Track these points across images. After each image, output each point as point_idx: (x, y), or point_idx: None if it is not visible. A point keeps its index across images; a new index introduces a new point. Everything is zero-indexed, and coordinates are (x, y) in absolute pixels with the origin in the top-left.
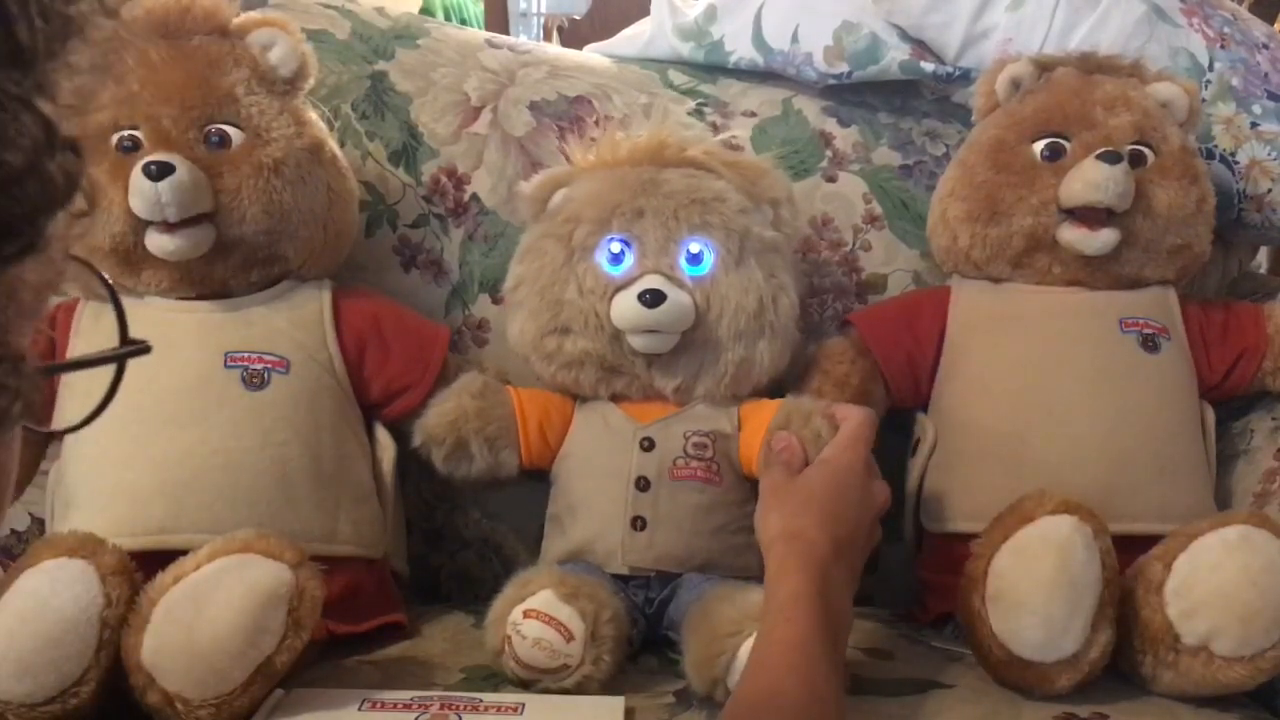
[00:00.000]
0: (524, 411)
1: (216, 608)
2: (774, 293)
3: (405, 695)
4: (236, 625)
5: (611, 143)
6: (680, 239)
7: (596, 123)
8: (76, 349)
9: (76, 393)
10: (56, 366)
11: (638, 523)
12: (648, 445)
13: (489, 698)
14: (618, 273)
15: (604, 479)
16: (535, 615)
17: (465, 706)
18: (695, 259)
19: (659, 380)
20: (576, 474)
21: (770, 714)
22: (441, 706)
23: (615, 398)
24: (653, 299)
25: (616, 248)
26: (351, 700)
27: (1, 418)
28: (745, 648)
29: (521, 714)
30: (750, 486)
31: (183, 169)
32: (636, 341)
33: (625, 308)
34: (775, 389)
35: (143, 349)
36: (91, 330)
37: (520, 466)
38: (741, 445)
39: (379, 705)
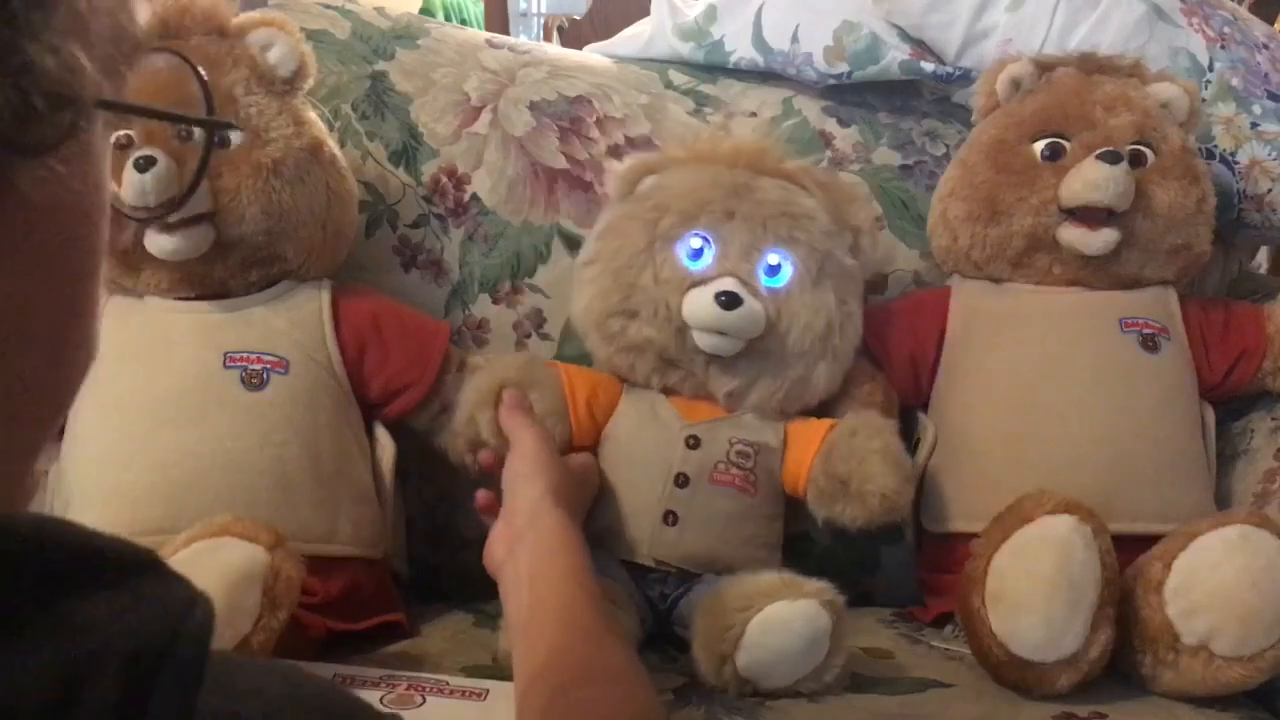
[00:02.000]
0: (573, 386)
1: None
2: (843, 319)
3: (375, 673)
4: None
5: (714, 138)
6: (764, 248)
7: (598, 123)
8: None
9: (88, 401)
10: (126, 106)
11: (669, 517)
12: (693, 443)
13: (455, 681)
14: (696, 268)
15: (645, 469)
16: None
17: (431, 688)
18: (774, 270)
19: (714, 381)
20: (617, 458)
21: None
22: (408, 687)
23: (666, 390)
24: (729, 301)
25: (698, 244)
26: (323, 675)
27: (60, 131)
28: (755, 622)
29: (484, 699)
30: (784, 503)
31: (163, 160)
32: (702, 340)
33: (699, 305)
34: (820, 410)
35: (230, 124)
36: (113, 329)
37: (570, 442)
38: (789, 463)
39: (349, 681)
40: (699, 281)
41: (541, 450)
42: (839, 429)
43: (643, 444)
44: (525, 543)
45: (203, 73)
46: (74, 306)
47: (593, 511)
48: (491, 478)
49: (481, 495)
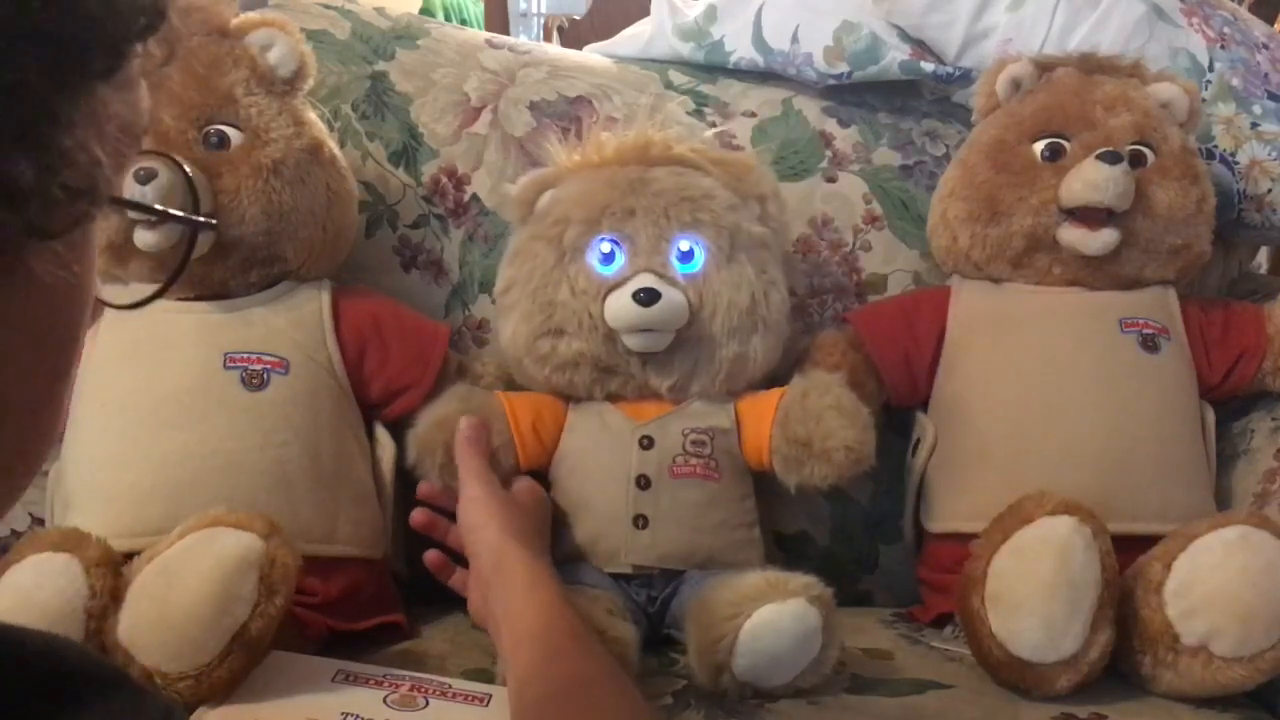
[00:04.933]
0: (515, 413)
1: (186, 579)
2: (765, 288)
3: (378, 671)
4: (206, 593)
5: (597, 143)
6: (671, 237)
7: (597, 123)
8: (93, 349)
9: (88, 401)
10: (128, 203)
11: (639, 521)
12: (647, 444)
13: (458, 684)
14: (610, 273)
15: (604, 478)
16: None
17: (434, 690)
18: (686, 256)
19: (654, 379)
20: (575, 474)
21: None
22: (411, 688)
23: (610, 398)
24: (647, 297)
25: (607, 248)
26: (327, 670)
27: (74, 219)
28: (746, 629)
29: (487, 705)
30: (751, 481)
31: (164, 174)
32: (631, 341)
33: (620, 307)
34: (769, 384)
35: (210, 224)
36: (113, 329)
37: (517, 468)
38: (748, 438)
39: (352, 678)
40: (615, 285)
41: (489, 496)
42: (789, 394)
43: (598, 455)
44: (495, 589)
45: (189, 170)
46: (53, 386)
47: (564, 530)
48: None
49: (431, 556)
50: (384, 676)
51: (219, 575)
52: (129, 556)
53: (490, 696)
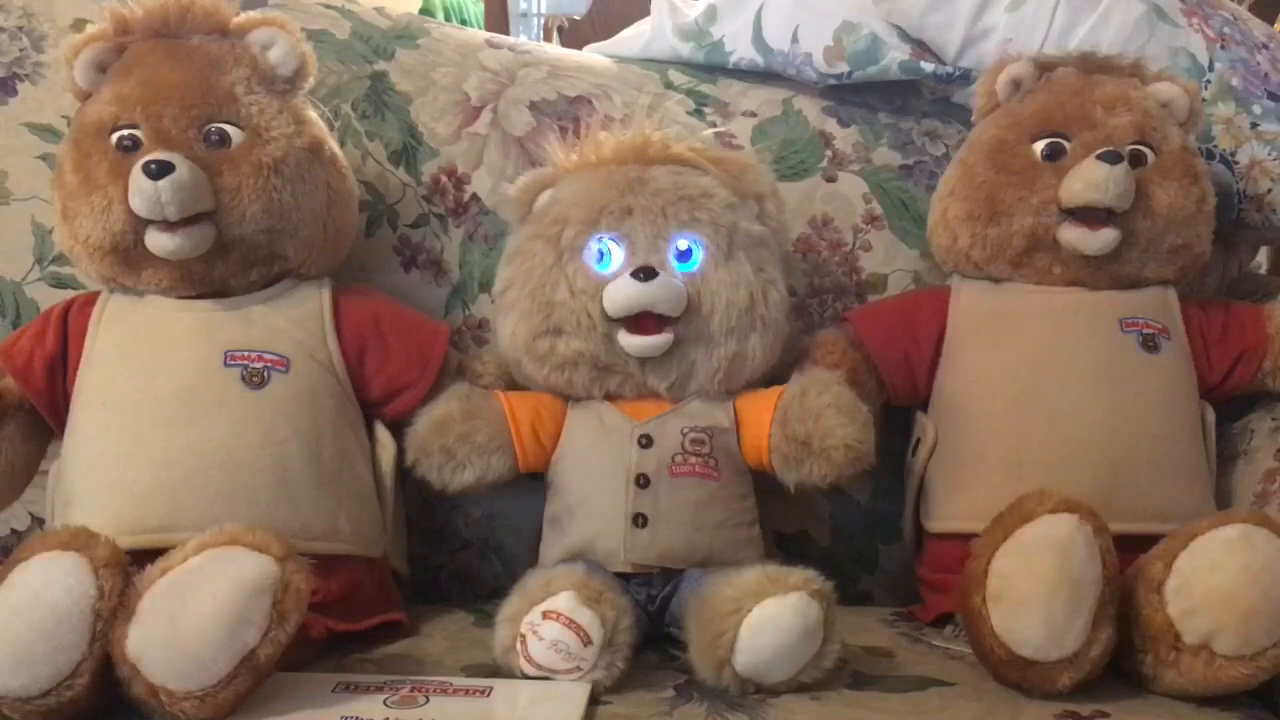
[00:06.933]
0: (514, 413)
1: (200, 599)
2: (763, 287)
3: (379, 679)
4: (218, 616)
5: (595, 142)
6: (669, 235)
7: (601, 122)
8: (94, 348)
9: (88, 399)
10: None
11: (639, 520)
12: (646, 443)
13: (458, 680)
14: (608, 272)
15: (603, 478)
16: (555, 617)
17: (435, 689)
18: (684, 255)
19: (652, 379)
20: (575, 474)
21: None
22: (412, 689)
23: (609, 397)
24: (646, 275)
25: (606, 246)
26: (327, 683)
27: None
28: (746, 624)
29: (489, 696)
30: (750, 480)
31: (183, 168)
32: (630, 344)
33: (618, 288)
34: (768, 383)
35: None
36: (113, 327)
37: (515, 469)
38: (745, 437)
39: (352, 688)
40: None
41: None
42: (788, 392)
43: (597, 454)
44: None
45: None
46: None
47: (564, 530)
48: None
49: None
50: (384, 683)
51: (233, 598)
52: (131, 554)
53: (492, 689)
